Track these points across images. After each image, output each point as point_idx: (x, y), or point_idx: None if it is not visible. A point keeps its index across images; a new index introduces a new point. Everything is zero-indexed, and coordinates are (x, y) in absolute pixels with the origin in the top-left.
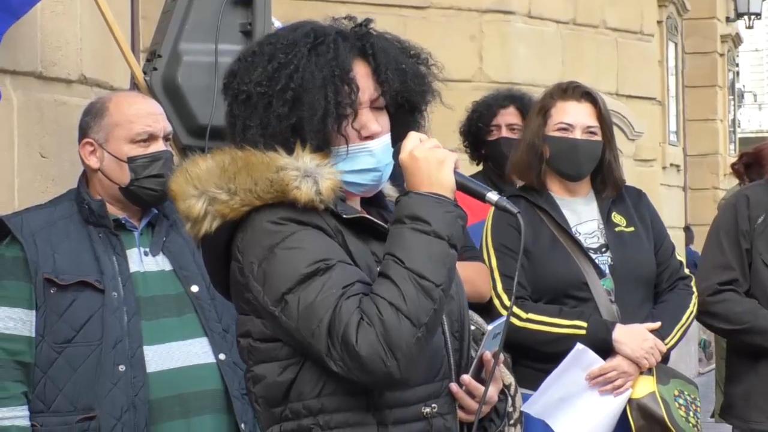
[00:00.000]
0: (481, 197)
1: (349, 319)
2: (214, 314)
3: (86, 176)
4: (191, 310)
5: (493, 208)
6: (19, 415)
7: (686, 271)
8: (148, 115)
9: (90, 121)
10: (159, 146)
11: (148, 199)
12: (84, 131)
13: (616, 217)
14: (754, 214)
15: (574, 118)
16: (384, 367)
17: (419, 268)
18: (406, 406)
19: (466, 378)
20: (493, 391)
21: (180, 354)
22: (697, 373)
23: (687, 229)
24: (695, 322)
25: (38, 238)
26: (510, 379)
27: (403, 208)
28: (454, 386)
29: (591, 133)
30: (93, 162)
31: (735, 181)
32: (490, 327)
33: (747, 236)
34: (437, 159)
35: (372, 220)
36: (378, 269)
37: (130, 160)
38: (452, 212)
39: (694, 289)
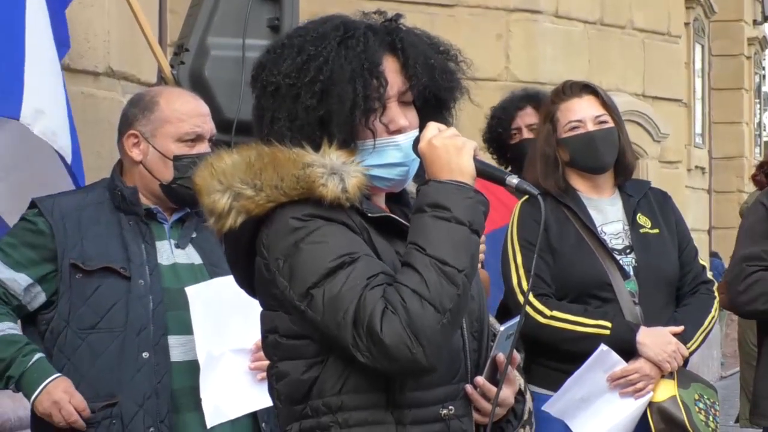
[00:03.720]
0: (502, 181)
1: (373, 309)
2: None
3: (121, 165)
4: None
5: (518, 205)
6: (9, 326)
7: (709, 275)
8: (198, 116)
9: (138, 113)
10: (204, 147)
11: (188, 199)
12: (129, 122)
13: (641, 219)
14: None
15: (580, 114)
16: (410, 354)
17: (441, 255)
18: (424, 407)
19: (480, 380)
20: (508, 393)
21: None
22: (719, 377)
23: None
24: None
25: (68, 222)
26: (520, 380)
27: (423, 196)
28: (468, 388)
29: (601, 122)
30: (135, 154)
31: None
32: (502, 327)
33: None
34: (456, 146)
35: (397, 219)
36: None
37: (176, 159)
38: (472, 198)
39: (716, 293)
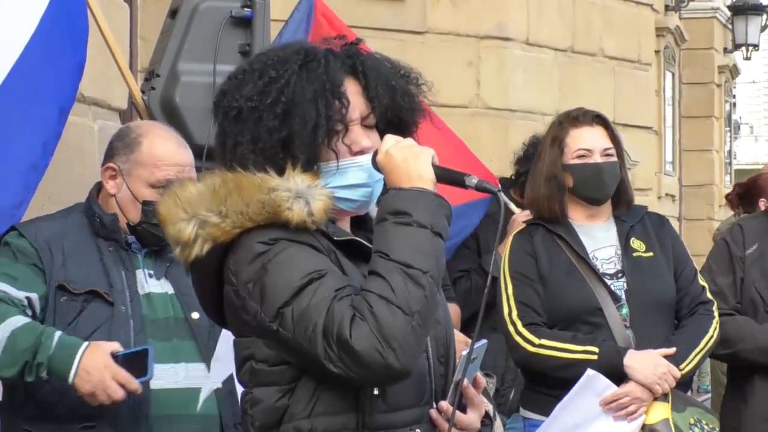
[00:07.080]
0: (462, 183)
1: (342, 318)
2: (213, 342)
3: (98, 190)
4: (190, 335)
5: (511, 238)
6: (20, 318)
7: (708, 295)
8: (174, 165)
9: (120, 147)
10: None
11: (151, 241)
12: (111, 154)
13: (635, 243)
14: (747, 243)
15: (591, 143)
16: (382, 359)
17: (404, 258)
18: (393, 429)
19: (444, 404)
20: (474, 417)
21: (180, 376)
22: None
23: None
24: None
25: (53, 246)
26: (489, 405)
27: (384, 205)
28: (433, 412)
29: (608, 155)
30: (110, 187)
31: (730, 212)
32: (464, 352)
33: (740, 263)
34: (413, 154)
35: (362, 242)
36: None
37: (145, 204)
38: (433, 201)
39: (716, 313)
